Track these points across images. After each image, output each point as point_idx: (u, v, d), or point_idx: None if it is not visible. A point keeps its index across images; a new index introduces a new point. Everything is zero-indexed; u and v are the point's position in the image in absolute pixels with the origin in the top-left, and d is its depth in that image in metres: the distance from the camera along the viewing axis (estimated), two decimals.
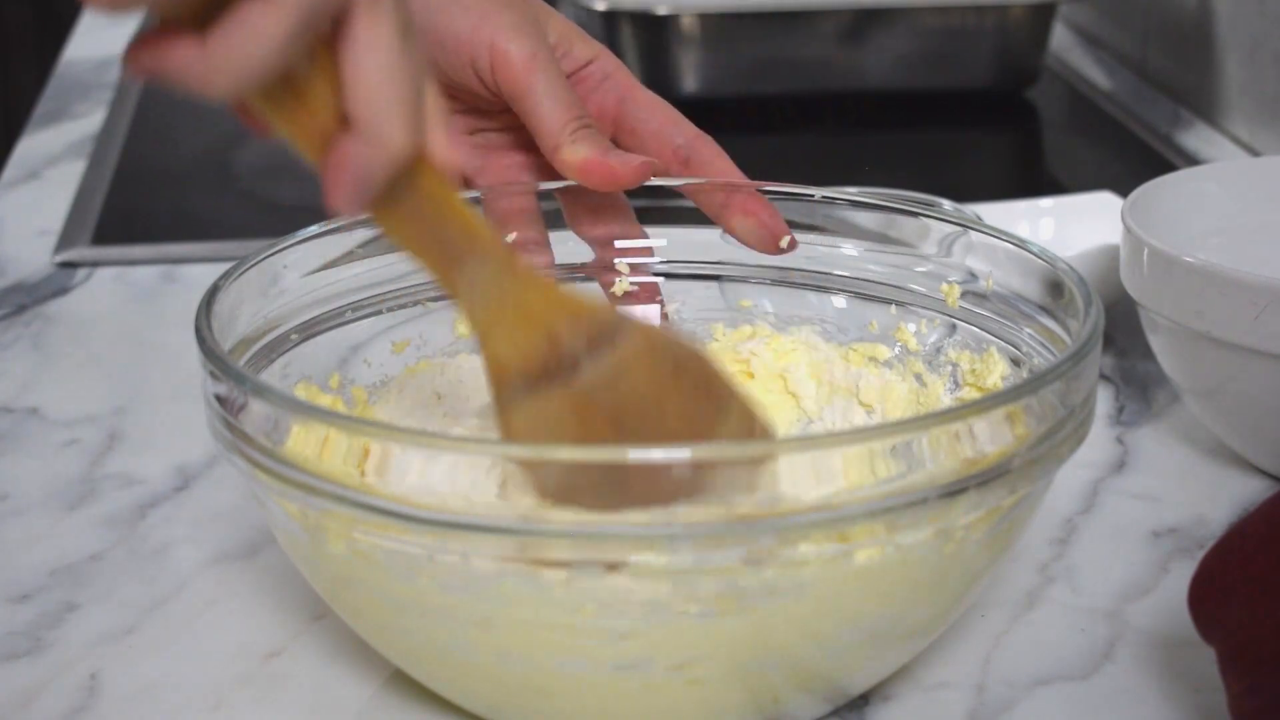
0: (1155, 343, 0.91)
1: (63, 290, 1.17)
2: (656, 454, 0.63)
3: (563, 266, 0.88)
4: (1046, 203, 1.12)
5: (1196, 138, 1.43)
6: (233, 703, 0.74)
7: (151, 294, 1.17)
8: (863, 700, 0.73)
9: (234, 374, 0.69)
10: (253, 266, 0.78)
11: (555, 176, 0.86)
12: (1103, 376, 1.02)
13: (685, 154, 0.86)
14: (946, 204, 1.04)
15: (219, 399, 0.69)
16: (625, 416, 0.70)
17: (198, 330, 0.71)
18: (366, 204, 0.63)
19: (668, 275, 0.89)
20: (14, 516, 0.89)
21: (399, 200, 0.64)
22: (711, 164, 0.86)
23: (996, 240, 0.80)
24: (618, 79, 0.88)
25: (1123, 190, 0.99)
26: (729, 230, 0.85)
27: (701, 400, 0.73)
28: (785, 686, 0.69)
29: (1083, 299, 0.73)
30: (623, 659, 0.65)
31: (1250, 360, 0.85)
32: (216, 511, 0.89)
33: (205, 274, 1.13)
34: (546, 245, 0.88)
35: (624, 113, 0.87)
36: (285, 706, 0.74)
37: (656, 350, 0.71)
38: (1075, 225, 1.10)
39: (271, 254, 0.79)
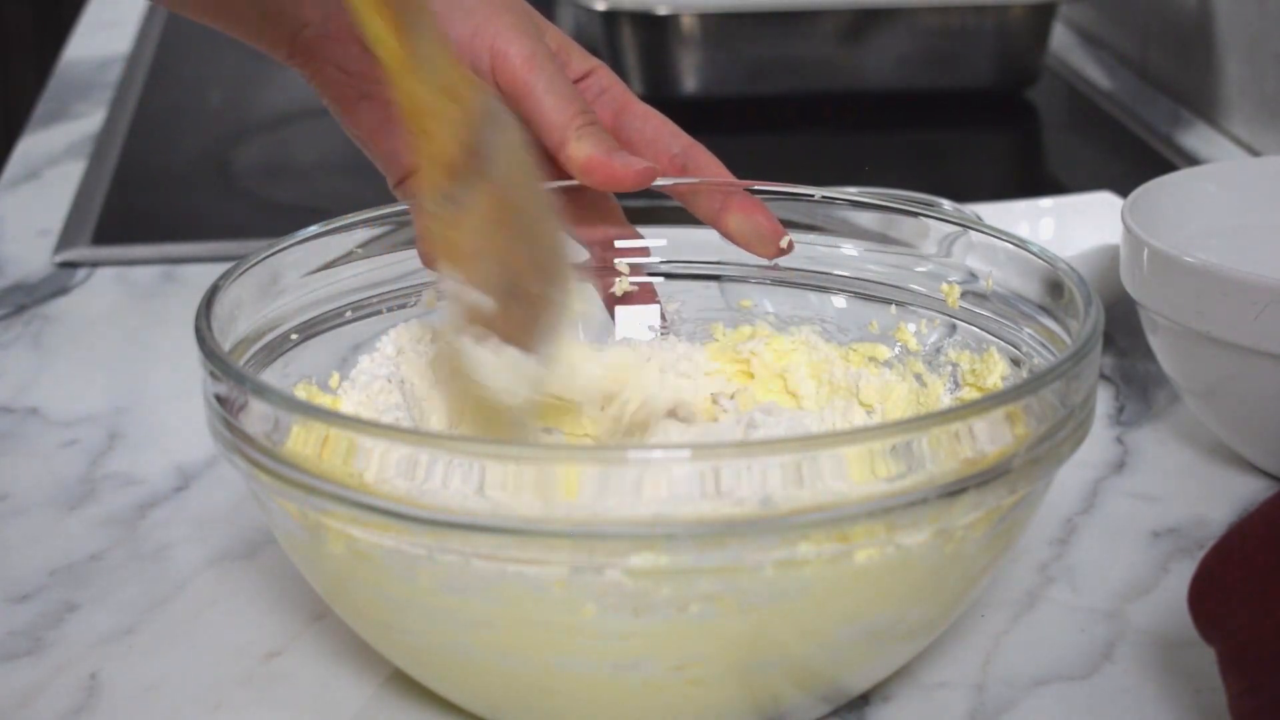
0: (1155, 343, 0.91)
1: (63, 290, 1.17)
2: (656, 454, 0.63)
3: None
4: (1046, 203, 1.12)
5: (1196, 138, 1.43)
6: (233, 703, 0.74)
7: (151, 294, 1.17)
8: (863, 700, 0.73)
9: (234, 374, 0.69)
10: (253, 267, 0.78)
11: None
12: (1103, 376, 1.02)
13: (681, 161, 0.86)
14: (946, 204, 1.04)
15: (219, 399, 0.69)
16: (518, 205, 0.76)
17: (197, 330, 0.71)
18: None
19: (668, 275, 0.89)
20: (14, 516, 0.89)
21: None
22: (707, 170, 0.86)
23: (996, 240, 0.80)
24: (614, 92, 0.88)
25: (1123, 190, 0.99)
26: (725, 232, 0.84)
27: (541, 192, 0.79)
28: (785, 686, 0.69)
29: (1082, 299, 0.73)
30: (623, 659, 0.65)
31: (1250, 360, 0.84)
32: (216, 511, 0.89)
33: (205, 274, 1.13)
34: None
35: (621, 124, 0.87)
36: (285, 706, 0.74)
37: (521, 131, 0.77)
38: (1075, 225, 1.10)
39: (271, 254, 0.79)
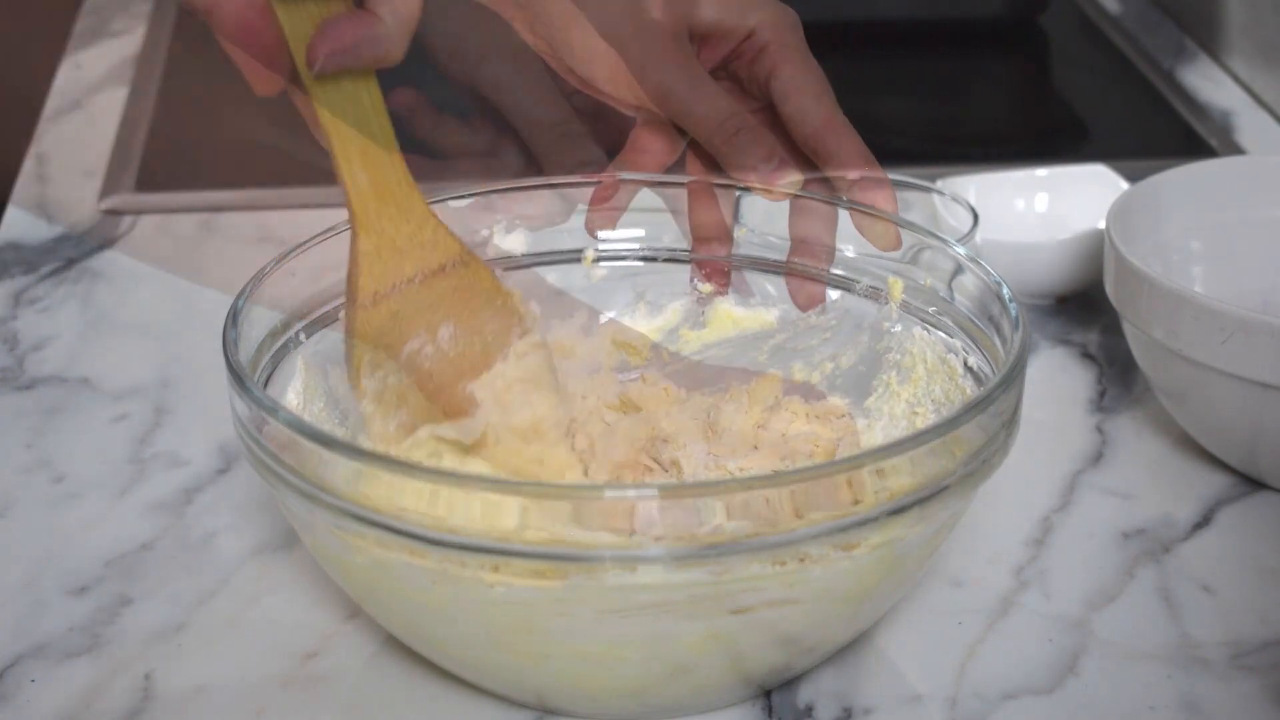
0: (1131, 344, 0.96)
1: (108, 242, 1.21)
2: (630, 492, 0.70)
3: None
4: (1042, 173, 1.15)
5: (1199, 75, 1.46)
6: (275, 706, 0.80)
7: (192, 247, 1.21)
8: (845, 713, 0.79)
9: (265, 405, 0.75)
10: (266, 277, 0.83)
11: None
12: (1087, 355, 1.06)
13: (812, 146, 0.87)
14: (945, 191, 1.07)
15: (245, 421, 0.76)
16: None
17: (227, 358, 0.77)
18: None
19: (645, 259, 0.95)
20: (71, 501, 0.94)
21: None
22: (836, 159, 0.87)
23: (955, 256, 0.85)
24: (770, 51, 0.88)
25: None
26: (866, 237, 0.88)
27: None
28: (765, 657, 0.77)
29: (1011, 328, 0.79)
30: (610, 657, 0.74)
31: (1218, 379, 0.88)
32: (254, 497, 0.93)
33: (244, 223, 1.18)
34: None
35: (770, 90, 0.88)
36: (324, 709, 0.80)
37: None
38: (1069, 199, 1.13)
39: (280, 263, 0.84)
